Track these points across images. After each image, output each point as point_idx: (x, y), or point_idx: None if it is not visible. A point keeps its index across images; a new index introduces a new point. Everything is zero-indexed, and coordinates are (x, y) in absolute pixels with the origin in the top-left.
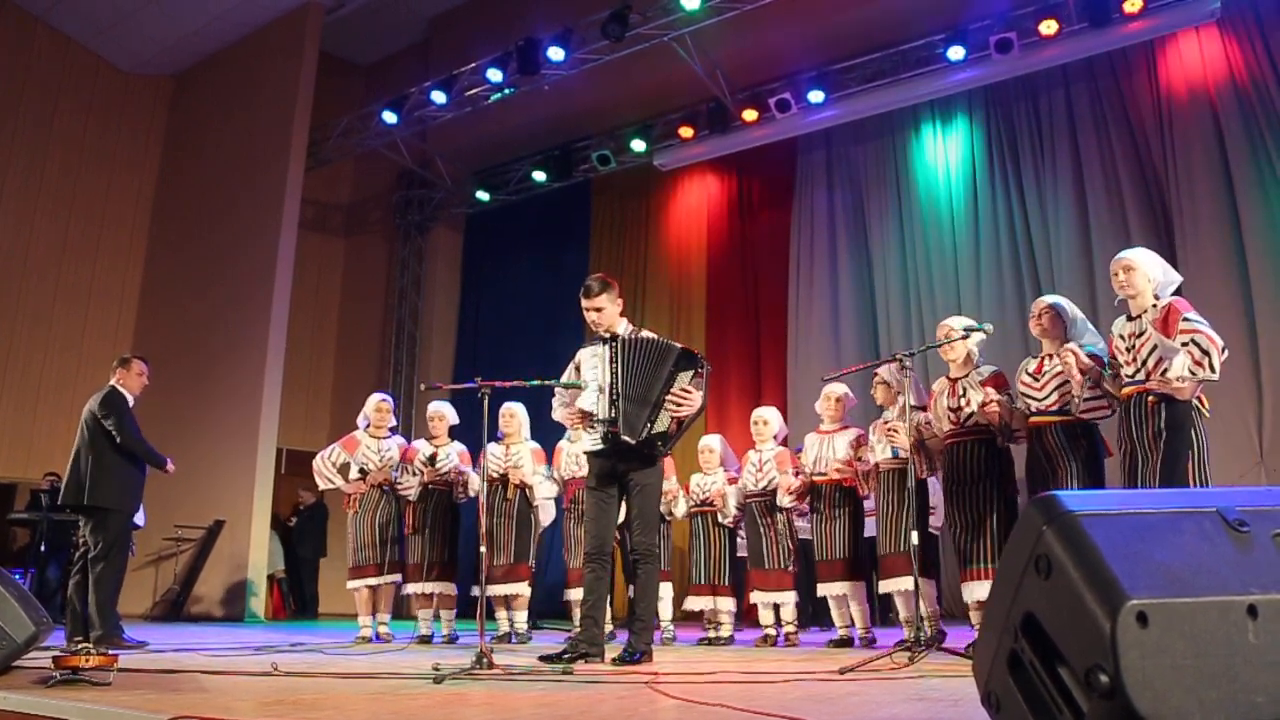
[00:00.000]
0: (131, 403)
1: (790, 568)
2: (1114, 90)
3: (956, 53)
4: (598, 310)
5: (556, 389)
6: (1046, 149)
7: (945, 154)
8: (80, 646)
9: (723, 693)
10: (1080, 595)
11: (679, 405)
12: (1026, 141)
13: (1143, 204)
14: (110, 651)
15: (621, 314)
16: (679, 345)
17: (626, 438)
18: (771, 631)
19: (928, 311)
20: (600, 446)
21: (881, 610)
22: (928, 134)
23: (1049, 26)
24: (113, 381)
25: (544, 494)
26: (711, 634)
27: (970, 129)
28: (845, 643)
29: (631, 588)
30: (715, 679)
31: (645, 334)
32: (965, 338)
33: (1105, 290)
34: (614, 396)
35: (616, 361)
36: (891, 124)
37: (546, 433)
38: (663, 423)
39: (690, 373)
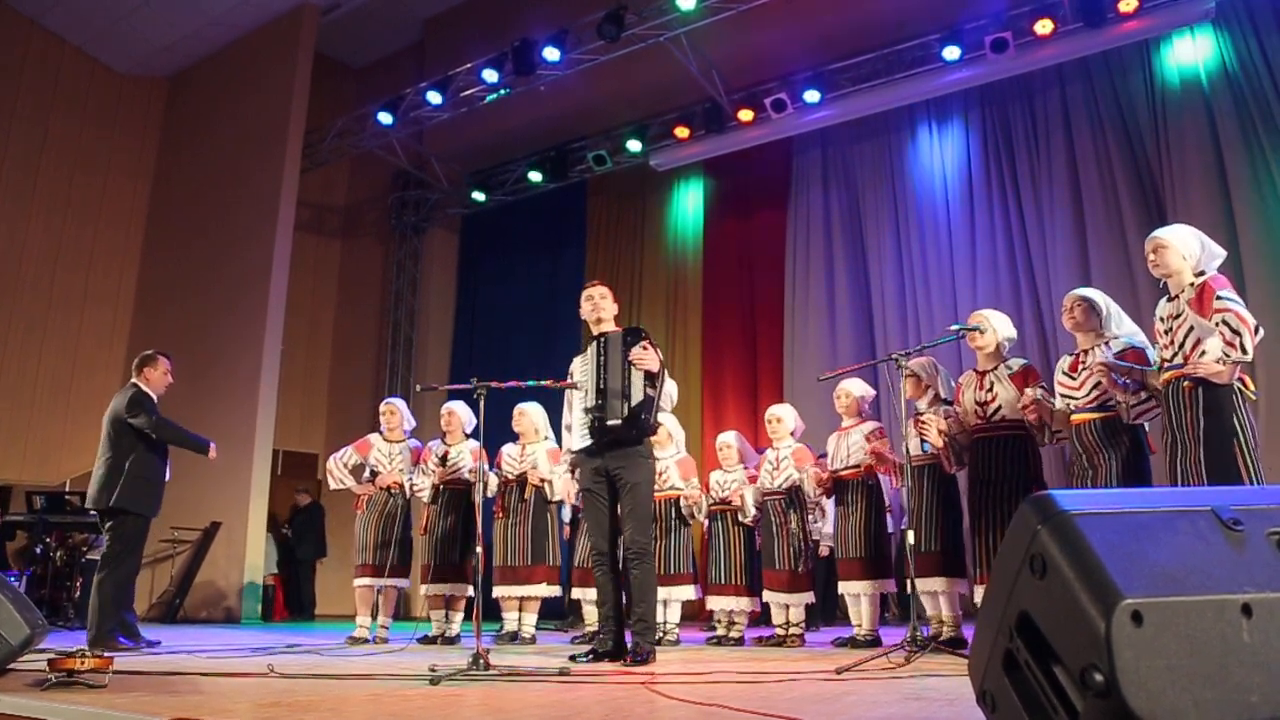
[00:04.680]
0: (156, 401)
1: (801, 569)
2: (1109, 90)
3: (952, 53)
4: (601, 297)
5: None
6: (1042, 148)
7: (941, 154)
8: (75, 649)
9: (719, 693)
10: (1075, 594)
11: (639, 362)
12: (1022, 141)
13: (1138, 203)
14: (105, 654)
15: (616, 320)
16: (620, 329)
17: (613, 422)
18: (782, 631)
19: (924, 311)
20: (588, 442)
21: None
22: (923, 134)
23: (1044, 26)
24: (135, 380)
25: (562, 491)
26: (722, 632)
27: (966, 129)
28: (854, 642)
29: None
30: (712, 679)
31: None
32: (961, 337)
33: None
34: (600, 386)
35: (602, 355)
36: (887, 124)
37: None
38: (637, 392)
39: (639, 342)
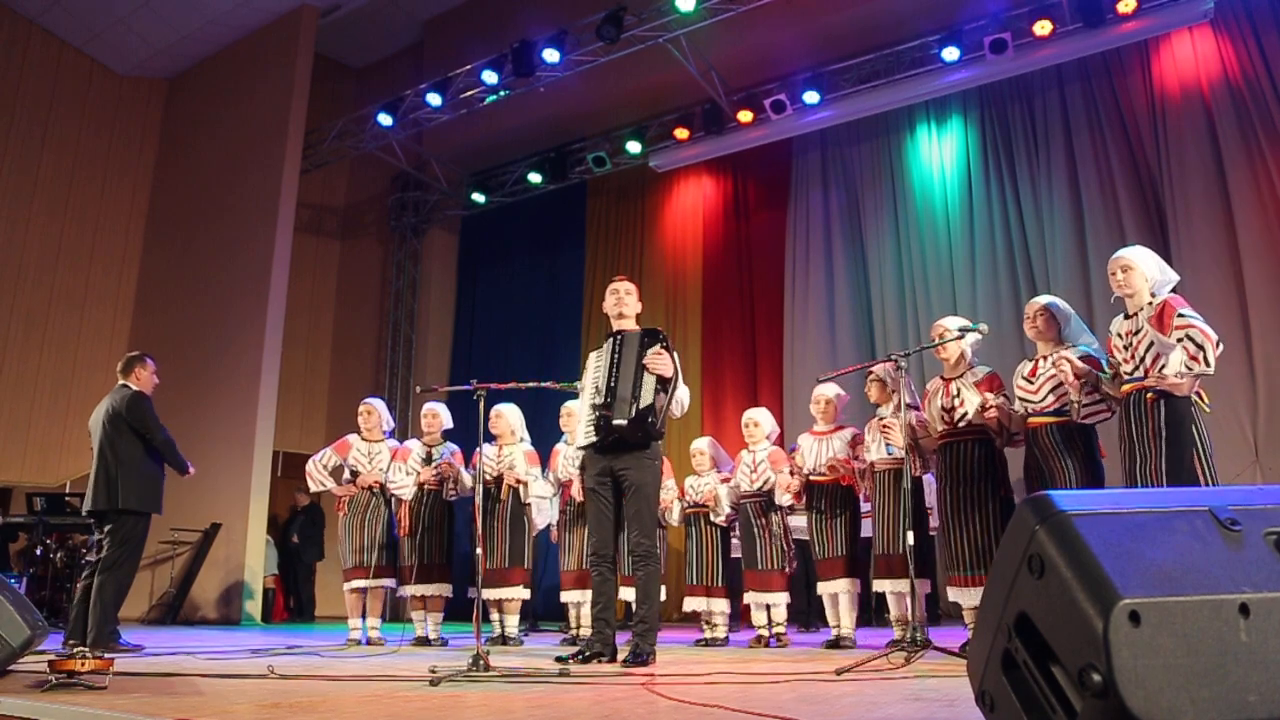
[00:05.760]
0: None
1: (786, 569)
2: (1108, 90)
3: (951, 53)
4: (627, 293)
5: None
6: (1041, 149)
7: (940, 154)
8: (76, 650)
9: (719, 693)
10: (1073, 594)
11: (653, 366)
12: (1021, 142)
13: (1137, 203)
14: (105, 655)
15: (637, 318)
16: (641, 329)
17: (618, 421)
18: (765, 632)
19: (923, 312)
20: (594, 439)
21: (876, 610)
22: (923, 135)
23: (1043, 27)
24: (126, 382)
25: (537, 493)
26: (708, 634)
27: (965, 129)
28: (839, 643)
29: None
30: (711, 680)
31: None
32: (960, 338)
33: (1101, 290)
34: (611, 385)
35: (617, 353)
36: (886, 125)
37: (543, 435)
38: (647, 395)
39: (656, 345)
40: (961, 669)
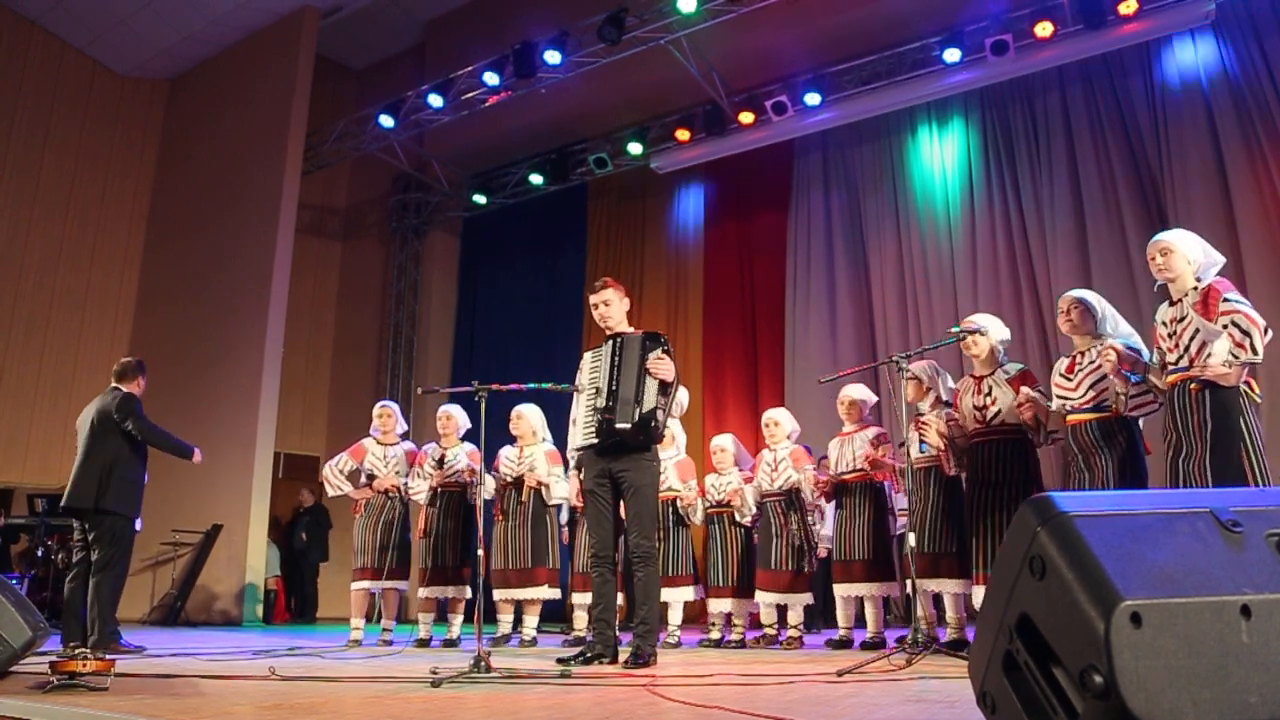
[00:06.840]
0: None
1: (805, 569)
2: (1109, 92)
3: (952, 55)
4: (605, 304)
5: (576, 395)
6: (1042, 151)
7: (941, 156)
8: (77, 651)
9: (720, 695)
10: (1074, 596)
11: (656, 370)
12: (1022, 143)
13: (1138, 205)
14: (107, 656)
15: (629, 316)
16: (641, 332)
17: (621, 425)
18: (771, 631)
19: (924, 313)
20: (593, 440)
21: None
22: (924, 136)
23: (1044, 29)
24: (118, 385)
25: (560, 494)
26: (715, 635)
27: (966, 131)
28: (845, 644)
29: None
30: (713, 681)
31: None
32: (961, 339)
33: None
34: (613, 388)
35: (617, 355)
36: (888, 126)
37: (562, 435)
38: (649, 400)
39: (658, 349)
40: (963, 670)
